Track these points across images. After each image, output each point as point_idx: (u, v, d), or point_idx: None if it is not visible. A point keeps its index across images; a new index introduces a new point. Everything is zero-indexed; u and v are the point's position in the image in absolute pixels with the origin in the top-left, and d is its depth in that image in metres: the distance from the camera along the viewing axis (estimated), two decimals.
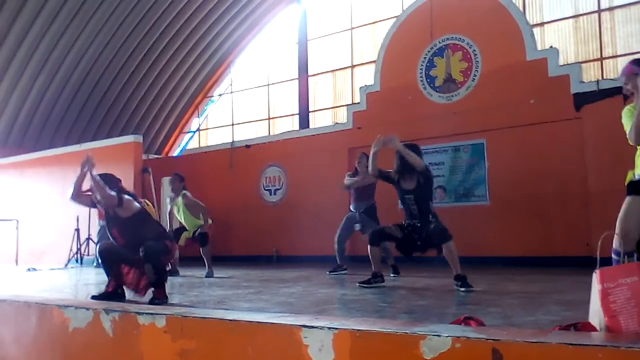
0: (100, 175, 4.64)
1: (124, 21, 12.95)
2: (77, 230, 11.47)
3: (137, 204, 4.73)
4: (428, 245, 5.42)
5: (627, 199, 3.44)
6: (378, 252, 5.65)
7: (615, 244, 3.34)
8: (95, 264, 10.82)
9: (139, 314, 2.72)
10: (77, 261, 11.37)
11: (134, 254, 4.57)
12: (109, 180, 4.69)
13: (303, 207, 11.26)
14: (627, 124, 3.45)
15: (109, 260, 4.73)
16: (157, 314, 2.67)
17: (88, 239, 11.45)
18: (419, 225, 5.43)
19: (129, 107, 14.75)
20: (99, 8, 12.35)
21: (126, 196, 4.66)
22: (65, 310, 3.15)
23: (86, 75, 13.57)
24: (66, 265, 11.22)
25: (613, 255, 3.38)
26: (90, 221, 11.46)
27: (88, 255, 11.40)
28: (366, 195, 7.45)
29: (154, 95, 14.93)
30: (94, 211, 11.23)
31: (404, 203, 5.54)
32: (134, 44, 13.57)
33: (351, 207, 7.60)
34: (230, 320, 2.42)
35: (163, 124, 15.40)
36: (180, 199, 7.83)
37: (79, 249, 11.39)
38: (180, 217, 7.85)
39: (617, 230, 3.32)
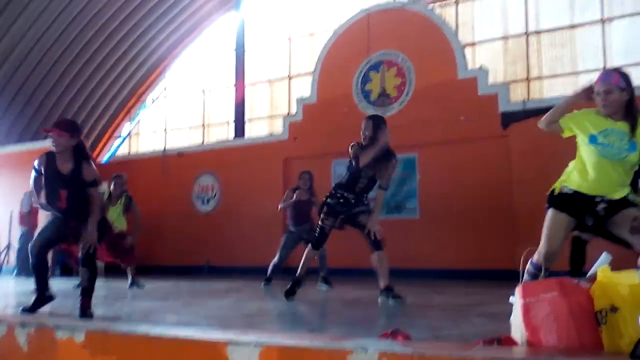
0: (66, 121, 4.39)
1: (55, 20, 12.45)
2: None
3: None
4: (352, 224, 5.35)
5: (552, 214, 3.32)
6: (314, 256, 5.58)
7: (538, 259, 3.35)
8: (15, 273, 10.30)
9: (57, 328, 2.59)
10: None
11: (73, 224, 4.29)
12: (76, 127, 4.39)
13: (236, 217, 11.13)
14: (569, 121, 3.31)
15: (44, 258, 4.37)
16: (75, 328, 2.54)
17: (8, 246, 10.89)
18: (352, 201, 5.31)
19: (57, 110, 14.16)
20: (28, 6, 11.84)
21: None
22: None
23: (12, 75, 12.94)
24: None
25: (530, 268, 3.41)
26: (11, 228, 10.91)
27: (7, 263, 10.83)
28: (305, 215, 7.38)
29: (84, 98, 14.40)
30: (15, 217, 10.75)
31: (355, 177, 5.31)
32: (64, 44, 13.07)
33: (292, 229, 7.49)
34: (154, 335, 2.33)
35: (92, 128, 14.88)
36: (124, 198, 7.59)
37: None
38: (113, 212, 7.50)
39: (542, 248, 3.29)
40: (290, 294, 5.39)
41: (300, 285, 5.49)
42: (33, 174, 4.35)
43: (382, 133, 5.28)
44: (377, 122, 5.36)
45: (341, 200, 5.33)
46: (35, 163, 4.31)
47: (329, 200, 5.45)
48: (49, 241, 4.34)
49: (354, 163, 5.26)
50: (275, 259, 7.42)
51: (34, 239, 4.39)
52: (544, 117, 3.44)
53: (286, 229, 7.70)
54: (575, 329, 2.06)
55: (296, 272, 5.48)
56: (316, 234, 5.55)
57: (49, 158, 4.26)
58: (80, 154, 4.26)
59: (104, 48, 13.72)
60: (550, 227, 3.31)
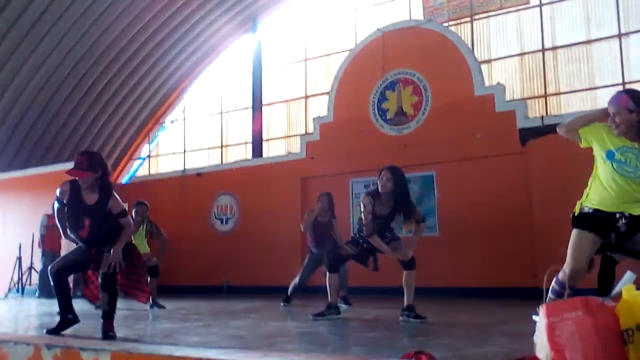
0: (88, 153, 4.47)
1: (76, 45, 12.70)
2: (19, 258, 11.02)
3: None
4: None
5: (576, 233, 3.30)
6: (337, 280, 5.59)
7: (563, 277, 3.31)
8: (37, 294, 10.40)
9: (83, 349, 2.62)
10: (18, 291, 10.89)
11: (94, 251, 4.32)
12: (96, 161, 4.39)
13: (255, 236, 11.16)
14: (588, 132, 3.36)
15: (64, 281, 4.45)
16: (101, 349, 2.57)
17: (30, 267, 11.00)
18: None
19: (78, 133, 14.39)
20: (50, 31, 12.10)
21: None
22: (3, 345, 3.00)
23: (34, 99, 13.20)
24: (6, 295, 10.74)
25: (555, 286, 3.37)
26: (33, 249, 11.03)
27: (30, 285, 10.94)
28: (326, 236, 7.39)
29: (104, 121, 14.62)
30: (36, 239, 10.87)
31: (376, 224, 5.27)
32: (84, 68, 13.31)
33: (314, 250, 7.44)
34: (178, 356, 2.35)
35: (112, 150, 15.08)
36: (146, 224, 7.70)
37: (20, 279, 10.91)
38: (137, 238, 7.59)
39: (568, 267, 3.26)
40: (320, 316, 5.40)
41: (337, 309, 5.52)
42: (55, 204, 4.42)
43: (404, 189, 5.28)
44: (397, 177, 5.29)
45: (365, 245, 5.39)
46: (58, 192, 4.38)
47: (355, 237, 5.53)
48: (69, 265, 4.40)
49: (370, 215, 5.23)
50: (296, 280, 7.41)
51: (56, 261, 4.46)
52: (565, 123, 3.47)
53: (309, 250, 7.67)
54: (601, 348, 2.04)
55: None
56: (332, 257, 5.61)
57: (73, 187, 4.32)
58: (106, 186, 4.34)
59: (123, 71, 13.95)
60: (575, 245, 3.29)
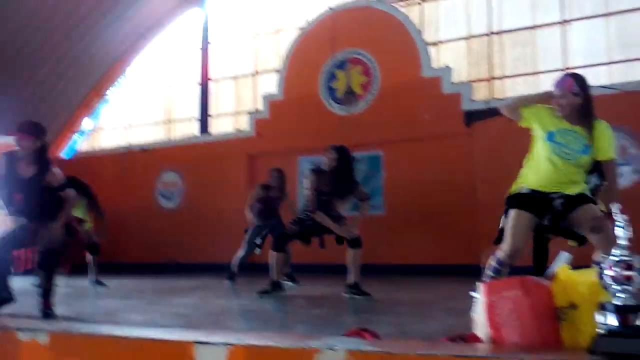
0: (30, 124, 4.29)
1: (12, 15, 12.11)
2: None
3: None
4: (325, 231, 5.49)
5: (513, 213, 3.37)
6: (282, 259, 5.62)
7: (502, 256, 3.41)
8: None
9: (19, 330, 2.54)
10: None
11: (33, 226, 4.18)
12: (40, 129, 4.29)
13: (201, 213, 11.03)
14: (530, 113, 3.43)
15: (7, 259, 4.30)
16: (39, 329, 2.49)
17: None
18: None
19: (14, 105, 13.79)
20: None
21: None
22: None
23: None
24: None
25: (493, 264, 3.47)
26: None
27: None
28: (272, 210, 7.39)
29: (42, 93, 14.06)
30: None
31: (319, 199, 5.39)
32: (22, 40, 12.73)
33: (258, 224, 7.44)
34: (119, 336, 2.31)
35: (51, 124, 14.53)
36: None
37: None
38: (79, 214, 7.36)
39: (507, 247, 3.32)
40: (264, 293, 5.42)
41: (280, 287, 5.55)
42: None
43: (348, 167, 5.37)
44: (342, 156, 5.40)
45: (309, 222, 5.48)
46: None
47: (300, 216, 5.56)
48: (12, 241, 4.23)
49: (315, 191, 5.31)
50: (242, 253, 7.39)
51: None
52: (507, 101, 3.57)
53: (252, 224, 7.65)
54: (537, 326, 2.12)
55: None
56: (278, 236, 5.63)
57: (9, 159, 4.17)
58: (45, 159, 4.21)
59: (62, 42, 13.41)
60: (513, 225, 3.37)
